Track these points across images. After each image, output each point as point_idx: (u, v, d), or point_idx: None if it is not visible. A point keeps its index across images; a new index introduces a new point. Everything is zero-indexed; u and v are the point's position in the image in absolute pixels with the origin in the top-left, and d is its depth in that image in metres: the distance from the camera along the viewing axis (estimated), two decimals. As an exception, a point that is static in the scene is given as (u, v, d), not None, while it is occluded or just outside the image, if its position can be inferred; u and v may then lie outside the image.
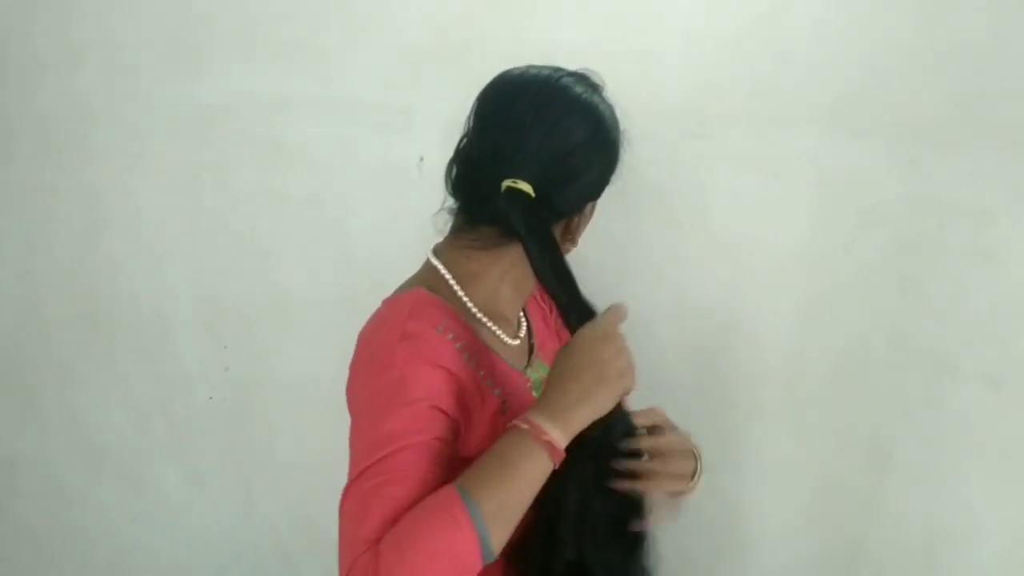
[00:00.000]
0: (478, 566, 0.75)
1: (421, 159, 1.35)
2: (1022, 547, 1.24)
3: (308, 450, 1.54)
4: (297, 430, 1.55)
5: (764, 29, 1.20)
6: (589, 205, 0.94)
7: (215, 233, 1.49)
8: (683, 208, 1.28)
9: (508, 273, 0.93)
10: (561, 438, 0.78)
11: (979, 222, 1.17)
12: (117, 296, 1.56)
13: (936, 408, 1.23)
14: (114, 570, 1.71)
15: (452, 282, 0.92)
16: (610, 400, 0.82)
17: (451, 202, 0.93)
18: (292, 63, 1.38)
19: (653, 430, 0.91)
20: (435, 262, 0.93)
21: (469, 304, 0.92)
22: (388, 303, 0.91)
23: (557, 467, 0.79)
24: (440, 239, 0.96)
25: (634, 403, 0.90)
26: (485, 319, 0.93)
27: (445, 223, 0.95)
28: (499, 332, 0.94)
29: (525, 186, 0.84)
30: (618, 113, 0.92)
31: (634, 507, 0.88)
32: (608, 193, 0.95)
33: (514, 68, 0.92)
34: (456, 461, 0.82)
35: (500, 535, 0.76)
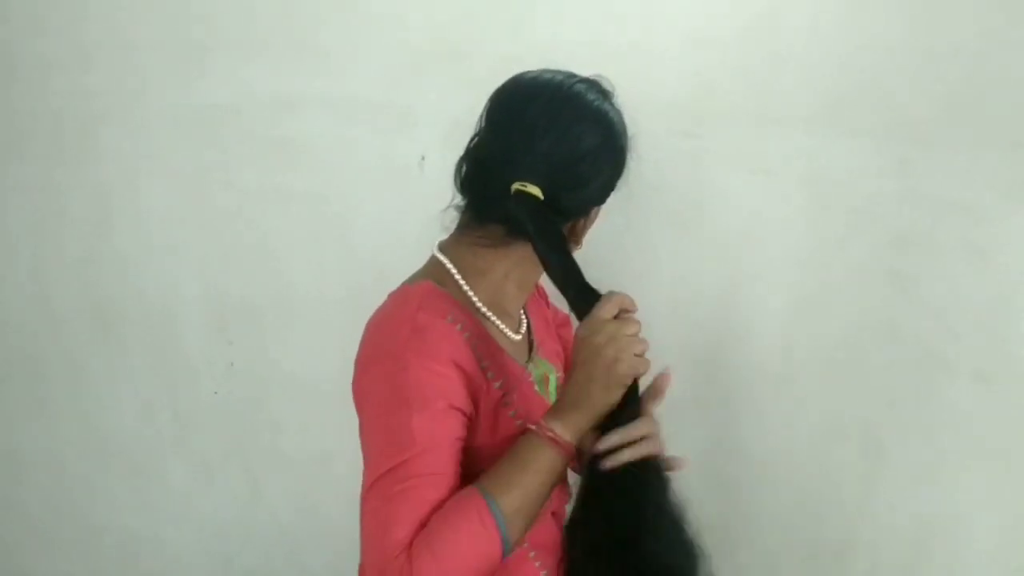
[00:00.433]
0: (499, 561, 0.80)
1: (422, 158, 1.36)
2: (1011, 538, 1.25)
3: (311, 443, 1.55)
4: (301, 423, 1.56)
5: (759, 31, 1.21)
6: (595, 208, 0.95)
7: (221, 230, 1.50)
8: (678, 205, 1.29)
9: (513, 271, 0.94)
10: (564, 432, 0.83)
11: (969, 219, 1.18)
12: (125, 292, 1.57)
13: (927, 402, 1.25)
14: (121, 560, 1.72)
15: (458, 277, 0.93)
16: (608, 391, 0.83)
17: (458, 199, 0.94)
18: (297, 64, 1.39)
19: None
20: (441, 257, 0.94)
21: (474, 299, 0.93)
22: (395, 295, 0.92)
23: (570, 463, 0.83)
24: (443, 236, 0.97)
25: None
26: (489, 314, 0.94)
27: (452, 220, 0.96)
28: (503, 327, 0.96)
29: (534, 189, 0.86)
30: (626, 119, 0.93)
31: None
32: (611, 195, 0.96)
33: (528, 71, 0.92)
34: (462, 454, 0.85)
35: (518, 533, 0.81)
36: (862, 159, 1.21)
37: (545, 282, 0.96)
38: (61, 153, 1.53)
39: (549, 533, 0.96)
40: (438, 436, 0.81)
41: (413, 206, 1.24)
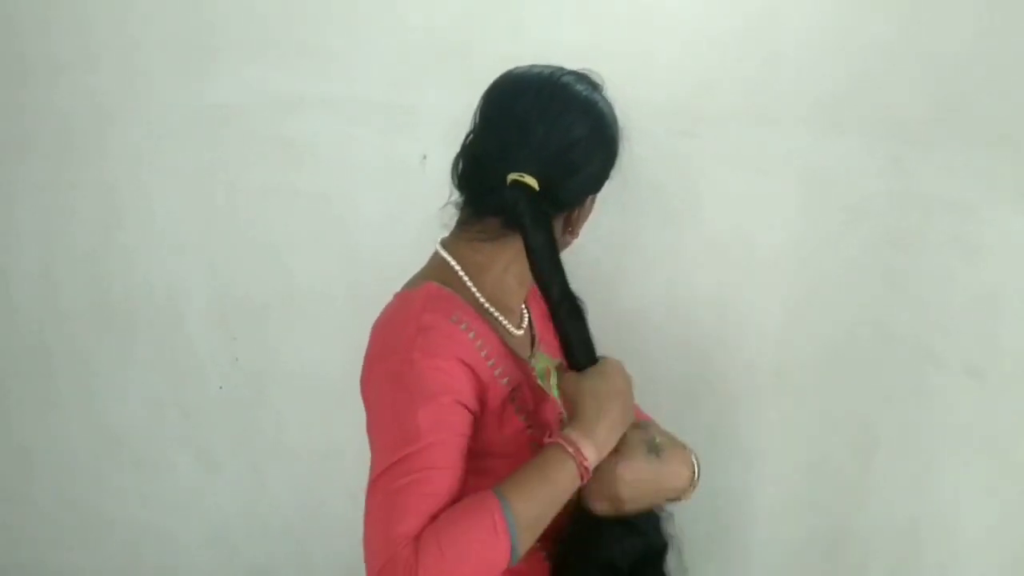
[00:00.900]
0: (503, 569, 0.79)
1: (424, 157, 1.37)
2: (1002, 531, 1.26)
3: (315, 437, 1.56)
4: (304, 418, 1.57)
5: (754, 31, 1.22)
6: (589, 198, 0.97)
7: (226, 228, 1.51)
8: (675, 204, 1.30)
9: (512, 265, 0.95)
10: (590, 450, 0.84)
11: (960, 217, 1.19)
12: (132, 289, 1.58)
13: (920, 397, 1.26)
14: (128, 552, 1.73)
15: (462, 274, 0.94)
16: (627, 417, 0.88)
17: (457, 196, 0.96)
18: (300, 64, 1.40)
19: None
20: (444, 255, 0.95)
21: (478, 295, 0.94)
22: (400, 297, 0.93)
23: (583, 482, 0.84)
24: (444, 234, 0.98)
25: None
26: (493, 309, 0.96)
27: (451, 218, 0.97)
28: (505, 322, 0.97)
29: (530, 179, 0.87)
30: (616, 111, 0.95)
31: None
32: (606, 189, 0.98)
33: (517, 67, 0.94)
34: (468, 453, 0.85)
35: (527, 543, 0.81)
36: (857, 159, 1.22)
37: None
38: (69, 152, 1.54)
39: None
40: (444, 430, 0.82)
41: (414, 205, 1.25)
